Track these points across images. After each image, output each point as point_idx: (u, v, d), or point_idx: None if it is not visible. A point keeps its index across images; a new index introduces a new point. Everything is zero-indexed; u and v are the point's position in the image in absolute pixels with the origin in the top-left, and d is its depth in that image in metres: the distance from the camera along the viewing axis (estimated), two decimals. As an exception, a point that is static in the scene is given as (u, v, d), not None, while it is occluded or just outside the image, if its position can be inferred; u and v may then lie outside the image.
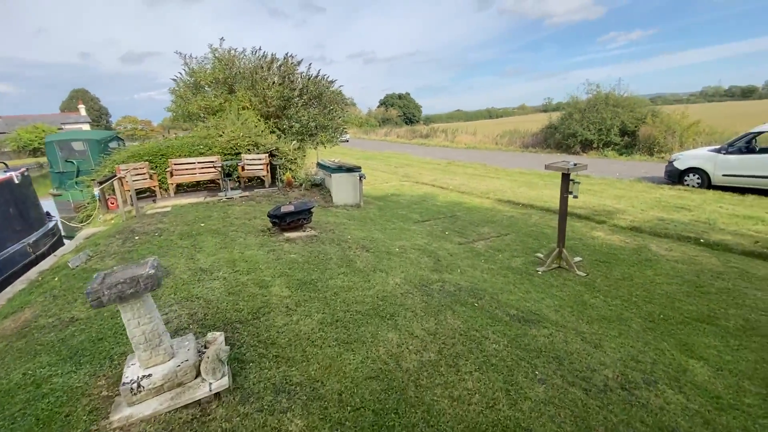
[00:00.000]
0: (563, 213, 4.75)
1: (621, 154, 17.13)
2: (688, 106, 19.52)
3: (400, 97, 78.65)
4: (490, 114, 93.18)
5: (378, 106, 77.77)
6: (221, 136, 9.63)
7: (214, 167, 8.91)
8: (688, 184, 9.33)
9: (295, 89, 11.94)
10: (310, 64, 12.52)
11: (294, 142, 11.26)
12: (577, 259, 5.09)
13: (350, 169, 8.46)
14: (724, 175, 8.67)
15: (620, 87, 18.34)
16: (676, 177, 9.61)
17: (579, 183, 4.50)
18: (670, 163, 9.82)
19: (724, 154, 8.67)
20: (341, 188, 8.45)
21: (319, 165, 9.97)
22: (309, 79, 12.27)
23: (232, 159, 9.18)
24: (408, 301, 3.59)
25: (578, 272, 4.69)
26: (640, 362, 2.86)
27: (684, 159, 9.48)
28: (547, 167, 4.71)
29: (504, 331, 3.17)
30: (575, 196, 4.68)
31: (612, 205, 7.85)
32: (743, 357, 2.95)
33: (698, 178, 9.14)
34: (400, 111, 74.76)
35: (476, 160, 17.65)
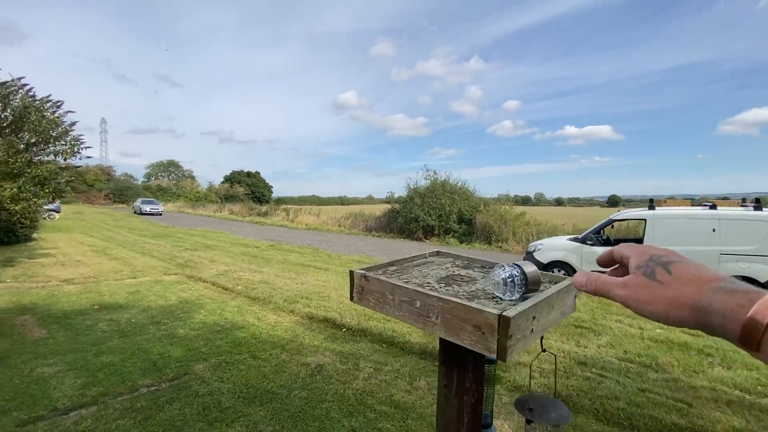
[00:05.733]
0: None
1: (461, 242, 16.16)
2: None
3: (248, 174, 72.84)
4: (342, 201, 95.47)
5: (222, 182, 69.64)
6: None
7: None
8: (552, 282, 7.32)
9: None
10: None
11: None
12: None
13: None
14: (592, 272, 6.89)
15: (453, 178, 18.35)
16: (537, 272, 7.57)
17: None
18: (530, 254, 7.85)
19: (590, 245, 7.00)
20: None
21: None
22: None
23: None
24: None
25: None
26: None
27: (545, 250, 7.58)
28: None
29: None
30: (488, 426, 0.89)
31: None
32: None
33: (564, 275, 7.21)
34: (248, 189, 68.55)
35: (311, 243, 13.82)
